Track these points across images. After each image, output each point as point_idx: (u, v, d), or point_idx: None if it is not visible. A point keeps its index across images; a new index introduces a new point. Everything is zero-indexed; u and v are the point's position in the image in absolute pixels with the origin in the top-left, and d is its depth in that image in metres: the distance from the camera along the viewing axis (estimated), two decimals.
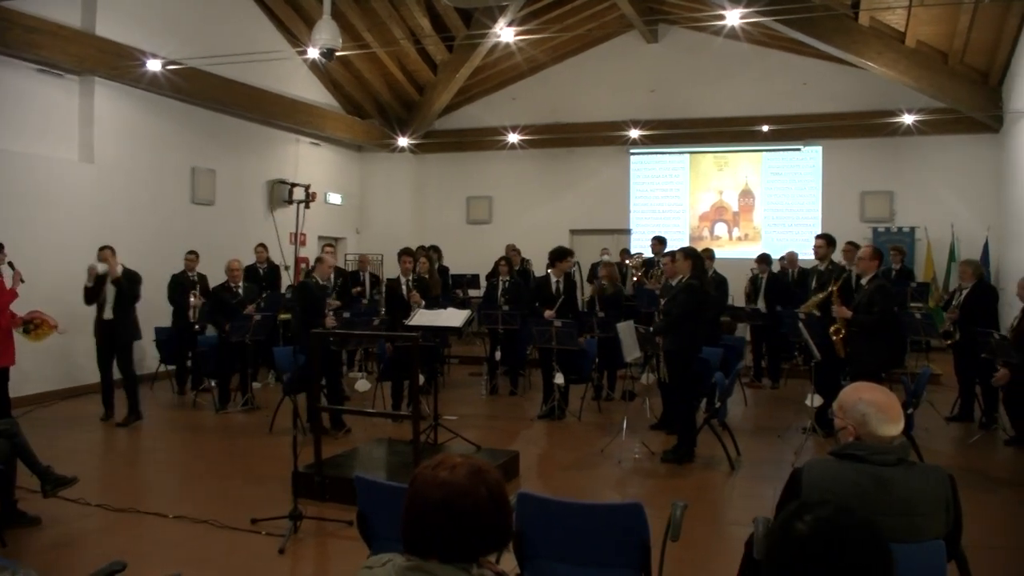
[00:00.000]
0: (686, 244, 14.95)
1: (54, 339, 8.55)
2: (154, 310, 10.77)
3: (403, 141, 16.85)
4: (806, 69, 15.26)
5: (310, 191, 6.28)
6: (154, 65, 10.85)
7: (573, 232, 16.89)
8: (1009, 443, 7.92)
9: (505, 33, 12.93)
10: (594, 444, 7.97)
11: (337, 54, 8.56)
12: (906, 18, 12.18)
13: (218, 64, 11.71)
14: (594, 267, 12.52)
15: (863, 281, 7.57)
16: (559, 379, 9.17)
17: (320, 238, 15.90)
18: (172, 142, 12.25)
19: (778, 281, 11.37)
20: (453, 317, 7.72)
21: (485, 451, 7.07)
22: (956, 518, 2.83)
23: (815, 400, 8.41)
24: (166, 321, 10.77)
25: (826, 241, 9.34)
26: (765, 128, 15.21)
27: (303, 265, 9.14)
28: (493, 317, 10.36)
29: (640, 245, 15.32)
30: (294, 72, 14.82)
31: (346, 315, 10.02)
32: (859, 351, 7.28)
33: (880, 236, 14.67)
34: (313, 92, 15.47)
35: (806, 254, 11.37)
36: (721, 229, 16.58)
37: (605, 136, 16.40)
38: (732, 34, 13.40)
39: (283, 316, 10.75)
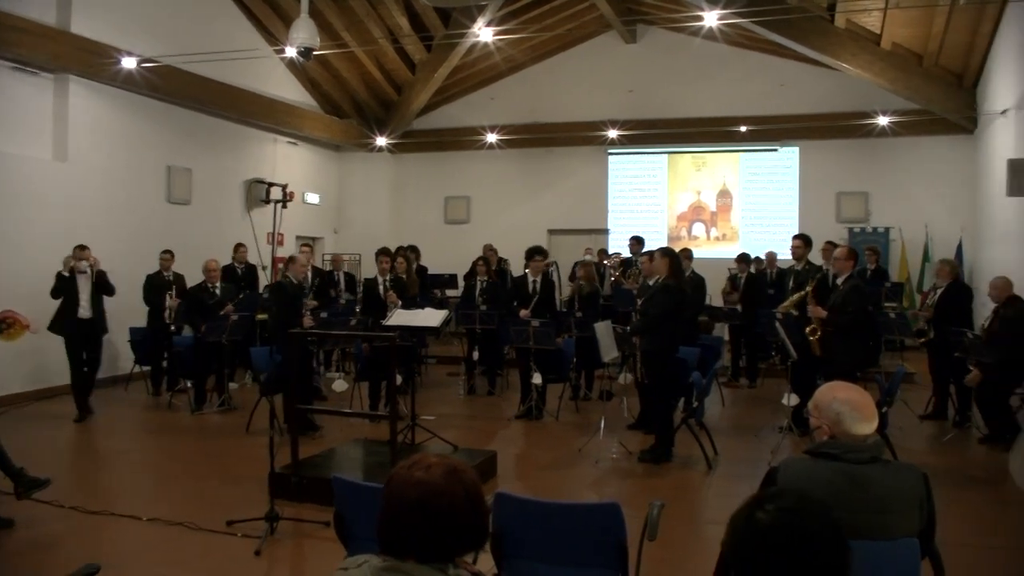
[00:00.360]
0: (664, 244, 15.05)
1: (27, 339, 8.46)
2: (129, 310, 10.68)
3: (381, 141, 16.81)
4: (783, 70, 15.36)
5: (288, 191, 6.24)
6: (129, 63, 10.76)
7: (551, 232, 16.91)
8: (983, 441, 8.00)
9: (484, 33, 12.92)
10: (572, 444, 7.98)
11: (315, 53, 8.52)
12: (882, 20, 12.30)
13: (195, 62, 11.63)
14: (576, 266, 12.55)
15: (839, 281, 7.64)
16: (537, 379, 9.19)
17: (298, 238, 15.83)
18: (148, 141, 12.14)
19: (756, 281, 11.43)
20: (430, 317, 7.71)
21: (463, 451, 7.07)
22: (930, 516, 2.85)
23: (791, 399, 8.47)
24: (141, 321, 10.69)
25: (803, 241, 9.41)
26: (743, 128, 15.29)
27: (280, 265, 9.08)
28: (471, 317, 10.35)
29: (618, 245, 15.35)
30: (272, 71, 14.74)
31: (323, 315, 9.98)
32: (835, 351, 7.34)
33: (856, 236, 14.79)
34: (291, 91, 15.40)
35: (784, 254, 11.46)
36: (699, 229, 16.65)
37: (583, 136, 16.42)
38: (710, 35, 13.45)
39: (261, 316, 10.69)
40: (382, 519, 1.91)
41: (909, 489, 2.78)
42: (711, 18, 11.02)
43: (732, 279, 11.68)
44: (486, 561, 3.45)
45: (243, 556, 5.05)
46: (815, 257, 9.97)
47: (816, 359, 7.62)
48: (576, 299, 10.23)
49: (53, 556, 5.12)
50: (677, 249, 9.35)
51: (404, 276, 10.16)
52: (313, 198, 16.68)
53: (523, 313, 9.38)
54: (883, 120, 14.26)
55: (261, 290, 11.76)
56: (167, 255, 10.61)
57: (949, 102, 13.52)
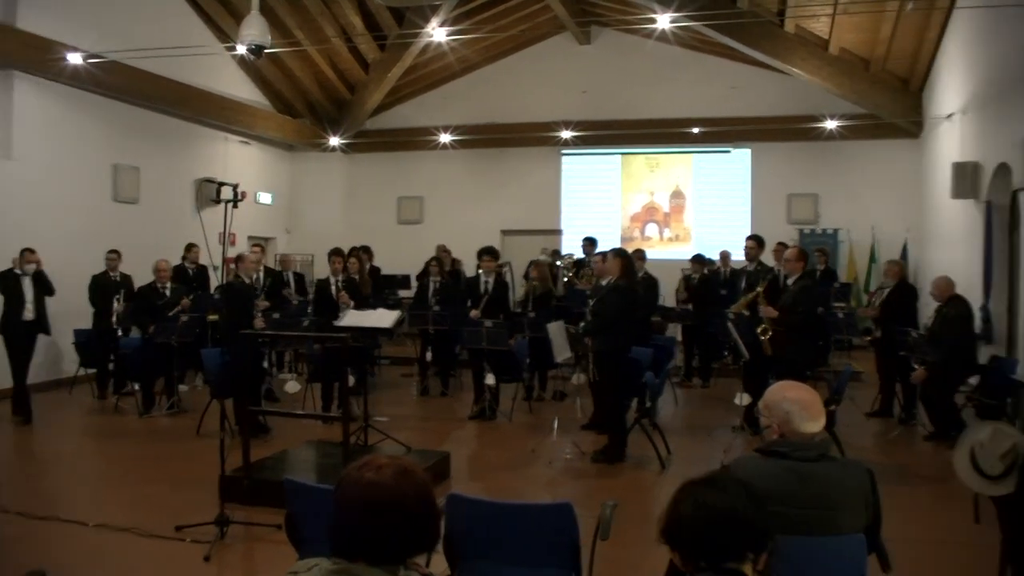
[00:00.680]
0: (617, 245, 15.13)
1: None
2: (74, 311, 10.46)
3: (334, 140, 16.68)
4: (735, 73, 15.53)
5: (239, 190, 6.17)
6: (76, 59, 10.54)
7: (505, 232, 16.90)
8: (928, 438, 8.16)
9: (437, 33, 12.90)
10: (525, 444, 7.99)
11: (266, 51, 8.42)
12: (830, 26, 12.50)
13: (143, 58, 11.41)
14: (529, 266, 12.57)
15: (789, 282, 7.74)
16: (490, 379, 9.18)
17: (250, 238, 15.63)
18: (94, 138, 11.89)
19: (709, 282, 11.52)
20: (383, 318, 7.67)
21: (416, 452, 7.03)
22: (876, 511, 2.90)
23: (744, 399, 8.59)
24: (86, 322, 10.47)
25: (756, 242, 9.53)
26: (696, 130, 15.45)
27: (231, 265, 8.97)
28: (424, 318, 10.31)
29: (572, 246, 15.38)
30: (223, 68, 14.55)
31: (275, 316, 9.88)
32: (785, 350, 7.44)
33: (806, 237, 15.01)
34: (242, 89, 15.21)
35: (737, 255, 11.58)
36: (652, 230, 16.78)
37: (537, 137, 16.46)
38: (663, 37, 13.59)
39: (212, 317, 10.53)
40: (333, 521, 1.89)
41: (855, 485, 2.83)
42: (664, 20, 11.14)
43: (686, 279, 11.76)
44: (439, 563, 3.44)
45: (192, 562, 4.96)
46: (767, 258, 10.11)
47: (767, 359, 7.72)
48: (530, 299, 10.24)
49: None
50: (630, 250, 9.41)
51: (357, 277, 10.09)
52: (265, 198, 16.50)
53: (473, 313, 9.37)
54: (831, 124, 14.51)
55: (212, 291, 11.60)
56: (113, 255, 10.41)
57: (895, 106, 13.80)
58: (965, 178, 10.80)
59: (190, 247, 11.68)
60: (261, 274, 10.67)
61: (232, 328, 7.68)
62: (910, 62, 13.19)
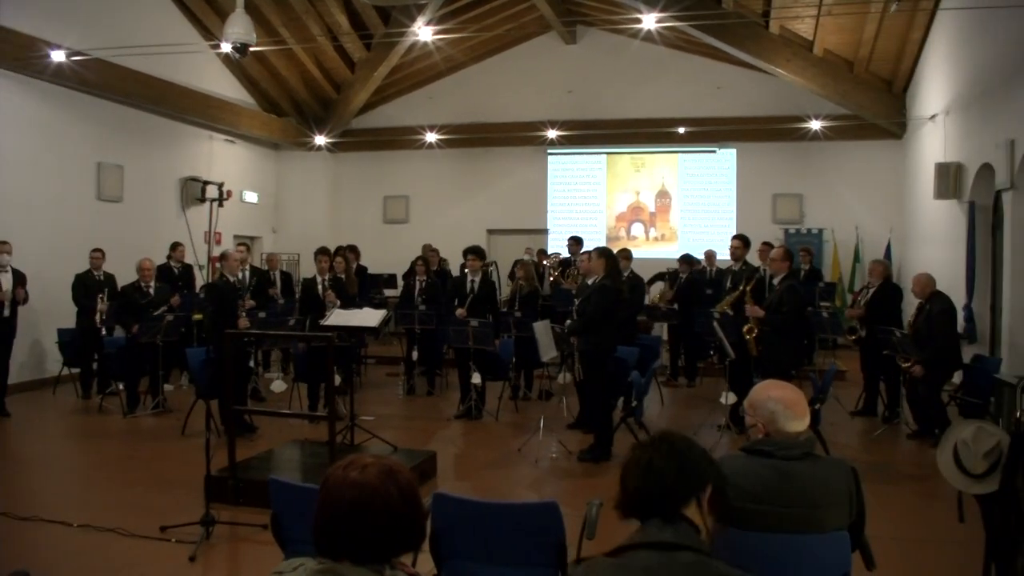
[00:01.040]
0: (603, 244, 15.14)
1: None
2: (57, 310, 10.40)
3: (320, 140, 16.63)
4: (720, 74, 15.57)
5: (225, 189, 6.15)
6: (58, 56, 10.47)
7: (490, 232, 16.90)
8: (911, 437, 8.22)
9: (423, 32, 12.88)
10: (511, 444, 8.00)
11: (252, 49, 8.39)
12: (814, 27, 12.55)
13: (126, 56, 11.33)
14: (515, 266, 12.57)
15: (775, 281, 7.78)
16: (476, 379, 9.18)
17: (235, 237, 15.57)
18: (77, 137, 11.80)
19: (695, 282, 11.53)
20: (369, 317, 7.66)
21: (402, 451, 7.03)
22: (859, 509, 2.92)
23: (729, 398, 8.62)
24: (70, 322, 10.39)
25: (742, 242, 9.56)
26: (681, 130, 15.49)
27: (217, 264, 8.93)
28: (409, 317, 10.30)
29: (557, 245, 15.40)
30: (207, 67, 14.48)
31: (261, 315, 9.84)
32: (771, 349, 7.47)
33: (791, 237, 15.08)
34: (227, 88, 15.14)
35: (723, 254, 11.62)
36: (638, 229, 16.80)
37: (523, 136, 16.46)
38: (649, 37, 13.63)
39: (197, 316, 10.47)
40: (317, 521, 1.89)
41: (839, 484, 2.85)
42: (649, 20, 11.16)
43: (672, 278, 11.75)
44: (426, 562, 3.44)
45: (177, 562, 4.95)
46: (752, 258, 10.15)
47: (753, 358, 7.75)
48: (516, 299, 10.25)
49: None
50: (616, 249, 9.42)
51: (343, 276, 10.07)
52: (251, 197, 16.44)
53: (459, 312, 9.37)
54: (816, 124, 14.57)
55: (198, 290, 11.54)
56: (97, 253, 10.34)
57: (879, 107, 13.87)
58: (948, 179, 10.87)
59: (175, 246, 11.62)
60: (247, 273, 10.63)
61: (217, 327, 7.65)
62: (894, 63, 13.27)
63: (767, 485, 2.75)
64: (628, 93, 16.07)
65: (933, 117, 12.03)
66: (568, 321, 7.88)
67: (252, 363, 9.73)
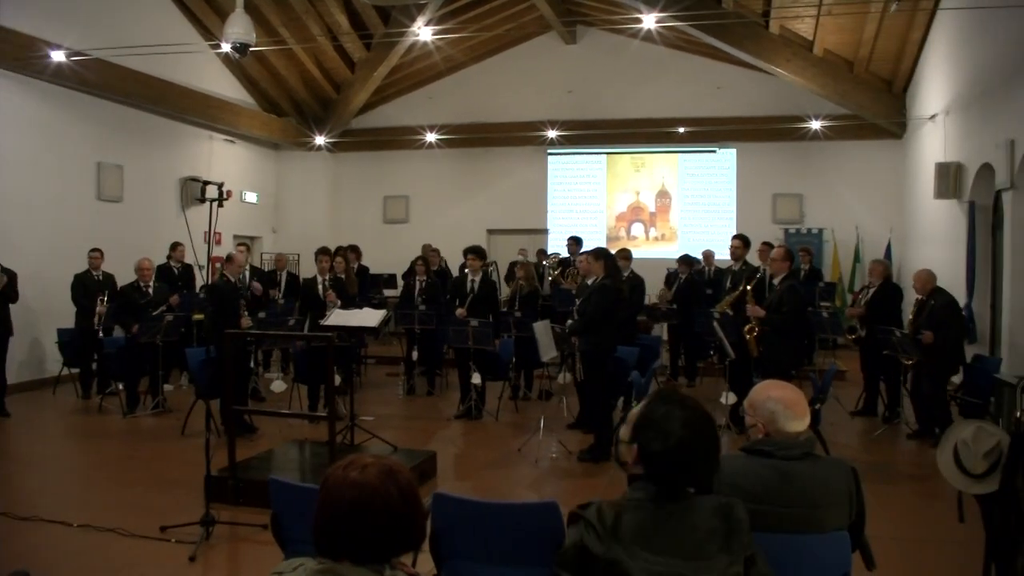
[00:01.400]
0: (603, 244, 15.13)
1: None
2: (57, 310, 10.40)
3: (320, 139, 16.64)
4: (720, 73, 15.57)
5: (224, 189, 6.14)
6: (58, 56, 10.47)
7: (490, 232, 16.90)
8: (911, 437, 8.22)
9: (423, 32, 12.89)
10: (511, 444, 8.00)
11: (252, 49, 8.39)
12: (814, 27, 12.55)
13: (126, 55, 11.33)
14: (512, 266, 12.56)
15: (775, 281, 7.78)
16: (476, 379, 9.18)
17: (235, 237, 15.57)
18: (77, 137, 11.79)
19: (694, 282, 11.53)
20: (369, 317, 7.66)
21: (402, 451, 7.03)
22: (859, 509, 2.91)
23: (729, 398, 8.61)
24: (69, 322, 10.39)
25: (742, 242, 9.55)
26: (681, 130, 15.49)
27: (217, 265, 8.94)
28: (409, 317, 10.30)
29: (557, 245, 15.40)
30: (207, 66, 14.48)
31: (261, 315, 9.84)
32: (771, 349, 7.47)
33: (791, 237, 15.08)
34: (227, 88, 15.14)
35: (721, 254, 11.62)
36: (638, 229, 16.80)
37: (523, 136, 16.46)
38: (649, 37, 13.63)
39: (197, 316, 10.47)
40: (317, 521, 1.89)
41: (840, 484, 2.84)
42: (649, 20, 11.16)
43: (668, 279, 11.75)
44: (426, 562, 3.44)
45: (177, 562, 4.94)
46: (752, 258, 10.14)
47: (753, 358, 7.75)
48: (517, 299, 10.26)
49: None
50: (616, 249, 9.43)
51: (343, 276, 10.07)
52: (251, 197, 16.44)
53: (459, 312, 9.37)
54: (816, 124, 14.58)
55: (198, 290, 11.54)
56: (96, 253, 10.33)
57: (878, 107, 13.87)
58: (948, 178, 10.87)
59: (175, 246, 11.62)
60: (247, 273, 10.63)
61: (219, 328, 7.65)
62: (894, 63, 13.27)
63: (767, 485, 2.75)
64: (628, 93, 16.06)
65: (933, 117, 12.03)
66: (569, 321, 7.88)
67: (252, 363, 9.74)
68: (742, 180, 16.08)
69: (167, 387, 10.06)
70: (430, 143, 16.59)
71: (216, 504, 5.53)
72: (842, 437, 8.25)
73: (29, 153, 10.98)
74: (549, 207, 17.05)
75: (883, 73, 13.70)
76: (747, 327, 7.77)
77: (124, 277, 10.23)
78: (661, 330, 12.12)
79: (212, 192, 5.94)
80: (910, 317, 8.45)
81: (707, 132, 15.66)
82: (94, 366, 10.30)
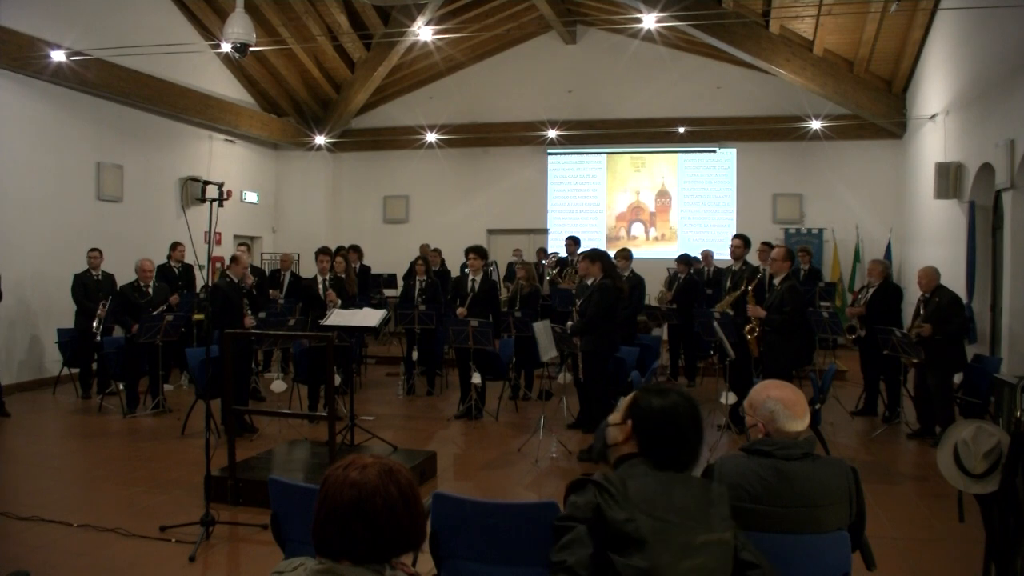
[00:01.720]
0: (603, 244, 15.16)
1: None
2: (57, 310, 10.40)
3: (320, 139, 16.64)
4: (720, 73, 15.58)
5: (225, 189, 6.13)
6: (58, 56, 10.47)
7: (490, 232, 16.92)
8: (911, 437, 8.22)
9: (423, 32, 12.90)
10: (511, 443, 8.00)
11: (252, 49, 8.38)
12: (814, 27, 12.55)
13: (126, 55, 11.35)
14: (510, 266, 12.56)
15: (776, 281, 7.77)
16: (476, 379, 9.18)
17: (235, 237, 15.58)
18: (77, 137, 11.80)
19: (694, 283, 11.53)
20: (369, 317, 7.65)
21: (402, 451, 7.03)
22: (859, 509, 2.91)
23: (729, 398, 8.61)
24: (69, 322, 10.39)
25: (743, 241, 9.55)
26: (681, 130, 15.50)
27: (218, 265, 8.94)
28: (409, 317, 10.29)
29: (558, 245, 15.42)
30: (207, 67, 14.48)
31: (261, 315, 9.84)
32: (772, 350, 7.47)
33: (791, 237, 15.08)
34: (227, 88, 15.14)
35: (721, 254, 11.61)
36: (638, 229, 16.80)
37: (522, 136, 16.47)
38: (649, 37, 13.64)
39: (197, 317, 10.47)
40: (317, 520, 1.89)
41: (837, 483, 2.84)
42: (649, 20, 11.17)
43: (669, 280, 11.75)
44: (426, 562, 3.44)
45: (177, 562, 4.94)
46: (751, 258, 10.14)
47: (752, 358, 7.75)
48: (518, 298, 10.26)
49: None
50: (616, 249, 9.42)
51: (343, 276, 10.07)
52: (251, 197, 16.45)
53: (459, 311, 9.37)
54: (816, 124, 14.59)
55: (198, 290, 11.53)
56: (95, 253, 10.33)
57: (877, 107, 13.87)
58: (948, 178, 10.87)
59: (175, 246, 11.61)
60: (247, 273, 10.61)
61: (221, 328, 7.65)
62: (893, 63, 13.27)
63: (767, 485, 2.75)
64: (628, 93, 16.07)
65: (933, 117, 12.03)
66: (569, 322, 7.88)
67: (252, 363, 9.73)
68: (742, 180, 16.09)
69: (167, 387, 10.06)
70: (430, 143, 16.60)
71: (216, 504, 5.53)
72: (842, 437, 8.25)
73: (29, 153, 10.97)
74: (549, 207, 17.06)
75: (883, 73, 13.70)
76: (748, 327, 7.77)
77: (124, 277, 10.23)
78: (661, 330, 12.12)
79: (212, 192, 5.93)
80: (912, 316, 8.45)
81: (707, 132, 15.68)
82: (94, 366, 10.30)
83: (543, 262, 12.90)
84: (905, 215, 14.37)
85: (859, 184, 15.33)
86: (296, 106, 16.59)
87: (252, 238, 16.50)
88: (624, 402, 2.66)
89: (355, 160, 17.77)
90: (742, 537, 2.48)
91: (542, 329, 7.71)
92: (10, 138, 10.71)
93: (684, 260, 11.67)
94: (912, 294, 10.14)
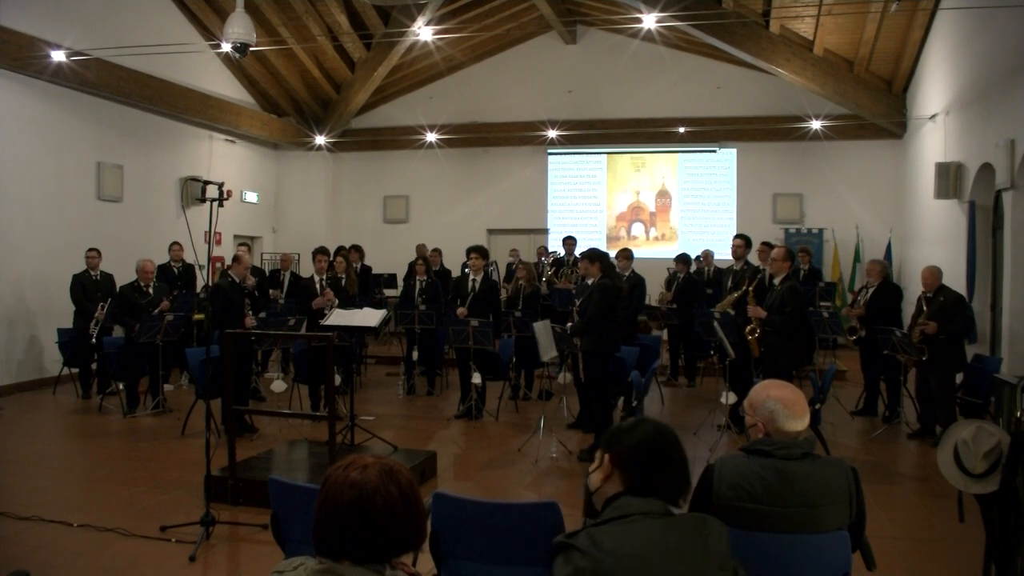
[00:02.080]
0: (603, 244, 15.16)
1: None
2: (57, 310, 10.39)
3: (320, 139, 16.64)
4: (720, 73, 15.58)
5: (225, 189, 6.13)
6: (58, 56, 10.47)
7: (491, 232, 16.92)
8: (911, 437, 8.22)
9: (423, 32, 12.90)
10: (511, 443, 8.00)
11: (252, 49, 8.38)
12: (815, 27, 12.55)
13: (126, 55, 11.35)
14: (509, 267, 12.55)
15: (776, 281, 7.77)
16: (476, 378, 9.18)
17: (235, 237, 15.58)
18: (77, 136, 11.79)
19: (693, 282, 11.53)
20: (369, 317, 7.66)
21: (402, 451, 7.03)
22: (859, 509, 2.91)
23: (729, 397, 8.60)
24: (69, 322, 10.38)
25: (744, 241, 9.55)
26: (681, 130, 15.50)
27: (218, 265, 8.93)
28: (409, 317, 10.29)
29: (558, 245, 15.40)
30: (207, 66, 14.48)
31: (261, 315, 9.84)
32: (772, 350, 7.47)
33: (791, 237, 15.08)
34: (227, 88, 15.14)
35: (721, 254, 11.60)
36: (638, 229, 16.80)
37: (523, 136, 16.47)
38: (649, 37, 13.64)
39: (198, 316, 10.47)
40: (317, 520, 1.89)
41: (840, 484, 2.84)
42: (649, 20, 11.18)
43: (669, 280, 11.75)
44: (426, 562, 3.44)
45: (177, 562, 4.94)
46: (751, 258, 10.14)
47: (753, 357, 7.75)
48: (520, 298, 10.26)
49: None
50: (616, 249, 9.42)
51: (343, 276, 10.07)
52: (251, 197, 16.44)
53: (460, 311, 9.37)
54: (816, 124, 14.59)
55: (199, 290, 11.53)
56: (93, 253, 10.33)
57: (877, 107, 13.86)
58: (948, 178, 10.87)
59: (173, 246, 11.60)
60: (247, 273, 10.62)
61: (222, 328, 7.65)
62: (894, 63, 13.27)
63: (767, 485, 2.75)
64: (628, 93, 16.07)
65: (933, 117, 12.03)
66: (570, 323, 7.88)
67: (252, 363, 9.73)
68: (742, 180, 16.08)
69: (167, 387, 10.05)
70: (430, 143, 16.60)
71: (216, 504, 5.53)
72: (842, 437, 8.25)
73: (29, 153, 10.97)
74: (549, 207, 17.05)
75: (883, 73, 13.70)
76: (748, 327, 7.77)
77: (124, 277, 10.23)
78: (661, 331, 12.12)
79: (212, 192, 5.93)
80: (912, 315, 8.44)
81: (707, 132, 15.68)
82: (94, 366, 10.30)
83: (542, 259, 12.90)
84: (905, 215, 14.37)
85: (859, 184, 15.33)
86: (296, 106, 16.59)
87: (252, 238, 16.51)
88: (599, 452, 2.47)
89: (355, 160, 17.77)
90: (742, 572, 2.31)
91: (542, 329, 7.71)
92: (10, 138, 10.71)
93: (682, 259, 11.68)
94: (912, 294, 10.15)
